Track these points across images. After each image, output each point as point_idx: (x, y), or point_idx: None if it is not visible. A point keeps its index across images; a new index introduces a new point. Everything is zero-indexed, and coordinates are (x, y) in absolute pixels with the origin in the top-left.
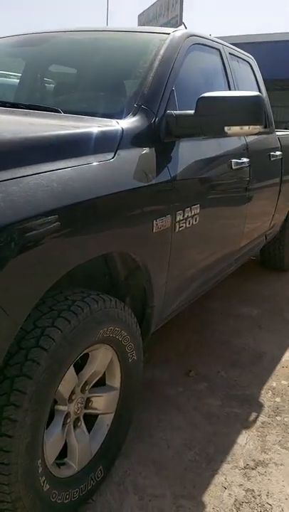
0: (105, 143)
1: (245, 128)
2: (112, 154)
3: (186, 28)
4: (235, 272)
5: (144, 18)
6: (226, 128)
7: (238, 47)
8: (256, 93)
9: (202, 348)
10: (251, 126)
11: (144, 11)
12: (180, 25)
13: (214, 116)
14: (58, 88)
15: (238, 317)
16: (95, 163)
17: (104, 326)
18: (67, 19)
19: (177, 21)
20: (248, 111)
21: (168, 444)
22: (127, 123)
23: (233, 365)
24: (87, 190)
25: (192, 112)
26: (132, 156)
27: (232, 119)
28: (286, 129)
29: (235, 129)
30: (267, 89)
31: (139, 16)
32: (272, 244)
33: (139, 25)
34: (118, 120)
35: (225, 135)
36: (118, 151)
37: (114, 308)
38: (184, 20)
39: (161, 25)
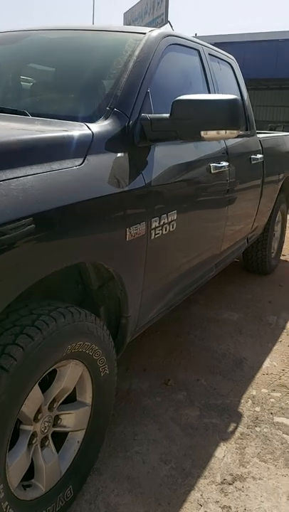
0: (73, 148)
1: (222, 132)
2: (81, 160)
3: (171, 26)
4: (216, 276)
5: (130, 16)
6: (202, 132)
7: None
8: (233, 96)
9: (182, 355)
10: (228, 131)
11: (129, 9)
12: (166, 23)
13: (190, 120)
14: (27, 90)
15: (219, 322)
16: (60, 170)
17: (72, 340)
18: (55, 18)
19: (163, 20)
20: (224, 115)
21: (143, 458)
22: (99, 127)
23: (213, 372)
24: (51, 199)
25: (167, 115)
26: (103, 162)
27: (208, 123)
28: (271, 130)
29: (212, 133)
30: (255, 89)
31: (125, 14)
32: (255, 247)
33: (124, 23)
34: (89, 124)
35: (201, 139)
36: (87, 157)
37: (84, 321)
38: (170, 19)
39: (146, 24)
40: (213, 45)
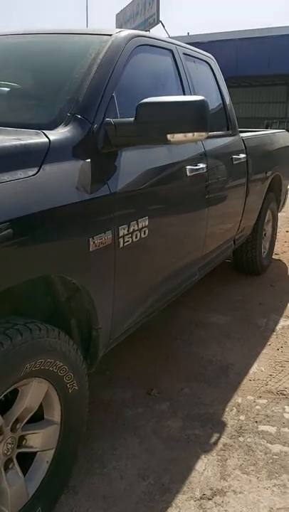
0: (26, 157)
1: (190, 135)
2: (35, 170)
3: (163, 26)
4: (206, 277)
5: (122, 18)
6: (168, 136)
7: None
8: (200, 97)
9: (167, 361)
10: (196, 133)
11: (121, 10)
12: (157, 23)
13: (155, 124)
14: None
15: (207, 326)
16: (11, 181)
17: (31, 359)
18: (44, 19)
19: (154, 20)
20: (191, 117)
21: (121, 474)
22: (57, 134)
23: (198, 379)
24: None
25: (132, 119)
26: (62, 171)
27: (174, 125)
28: (267, 126)
29: (179, 136)
30: (250, 86)
31: (117, 15)
32: (245, 248)
33: (117, 24)
34: (47, 131)
35: (168, 143)
36: (43, 166)
37: (45, 337)
38: (162, 19)
39: (138, 24)
40: (206, 43)
